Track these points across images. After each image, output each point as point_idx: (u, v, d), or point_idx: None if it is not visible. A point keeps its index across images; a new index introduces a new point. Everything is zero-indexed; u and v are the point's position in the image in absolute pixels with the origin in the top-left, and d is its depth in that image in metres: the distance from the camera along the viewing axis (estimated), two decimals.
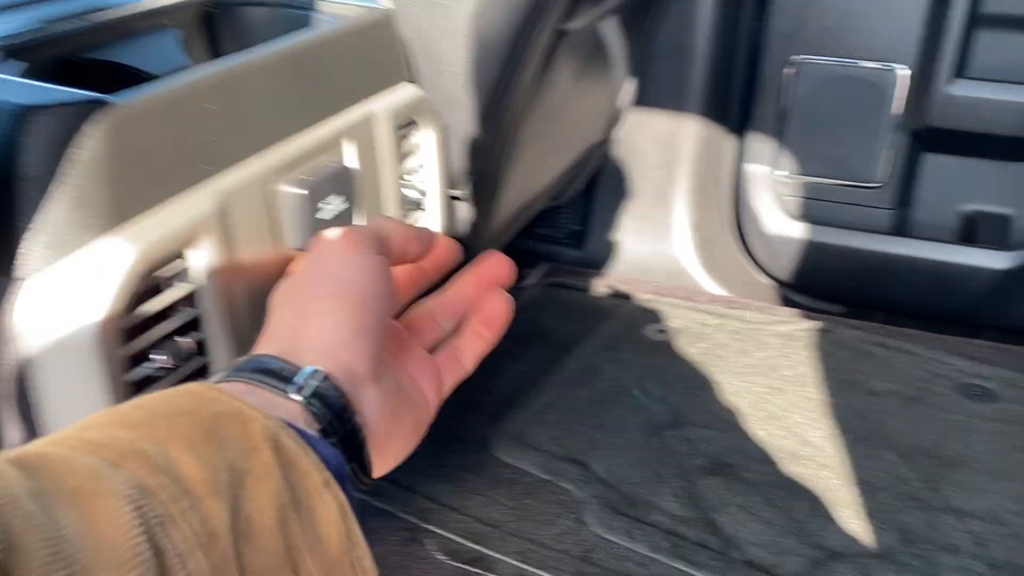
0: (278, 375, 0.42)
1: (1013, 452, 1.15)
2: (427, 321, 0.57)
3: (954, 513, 1.05)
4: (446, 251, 0.58)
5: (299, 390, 0.41)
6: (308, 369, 0.42)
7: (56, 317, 0.51)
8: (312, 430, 0.40)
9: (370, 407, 0.45)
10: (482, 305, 0.57)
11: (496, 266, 0.58)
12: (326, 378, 0.42)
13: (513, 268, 0.58)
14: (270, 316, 0.48)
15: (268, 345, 0.45)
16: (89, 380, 0.52)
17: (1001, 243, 1.49)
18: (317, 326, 0.44)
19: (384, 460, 0.48)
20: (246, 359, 0.44)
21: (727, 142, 1.61)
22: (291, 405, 0.41)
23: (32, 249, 0.50)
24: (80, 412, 0.52)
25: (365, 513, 1.09)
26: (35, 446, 0.33)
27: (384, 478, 1.17)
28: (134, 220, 0.54)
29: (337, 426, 0.42)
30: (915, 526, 1.04)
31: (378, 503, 1.10)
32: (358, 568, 0.38)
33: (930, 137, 1.47)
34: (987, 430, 1.19)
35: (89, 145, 0.50)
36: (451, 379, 0.56)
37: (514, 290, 1.65)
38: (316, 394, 0.41)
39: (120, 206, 0.53)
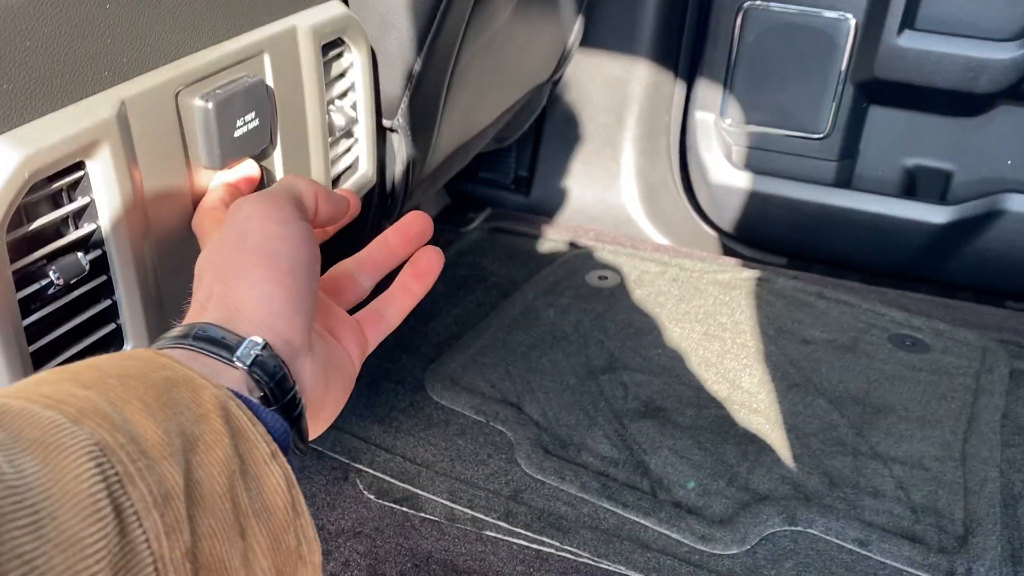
0: (221, 344, 0.42)
1: (939, 401, 1.17)
2: (347, 280, 0.57)
3: (879, 458, 1.07)
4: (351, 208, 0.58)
5: (242, 360, 0.42)
6: (250, 339, 0.42)
7: None
8: (254, 399, 0.41)
9: (306, 376, 0.46)
10: (416, 259, 0.57)
11: (417, 223, 0.58)
12: (266, 347, 0.43)
13: (431, 225, 0.59)
14: (199, 283, 0.48)
15: (204, 313, 0.45)
16: None
17: (941, 197, 1.50)
18: (251, 297, 0.44)
19: (316, 425, 0.49)
20: (186, 326, 0.43)
21: (676, 88, 1.59)
22: (235, 374, 0.41)
23: None
24: None
25: (295, 456, 1.06)
26: None
27: None
28: (22, 125, 0.51)
29: (278, 395, 0.43)
30: (841, 471, 1.05)
31: (308, 443, 1.08)
32: (302, 537, 0.39)
33: (876, 89, 1.47)
34: (916, 379, 1.21)
35: None
36: (375, 338, 0.56)
37: (456, 234, 1.63)
38: (257, 363, 0.42)
39: (5, 108, 0.49)
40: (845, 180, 1.55)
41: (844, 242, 1.54)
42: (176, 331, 0.43)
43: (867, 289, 1.45)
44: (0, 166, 0.48)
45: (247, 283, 0.45)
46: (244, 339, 0.42)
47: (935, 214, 1.47)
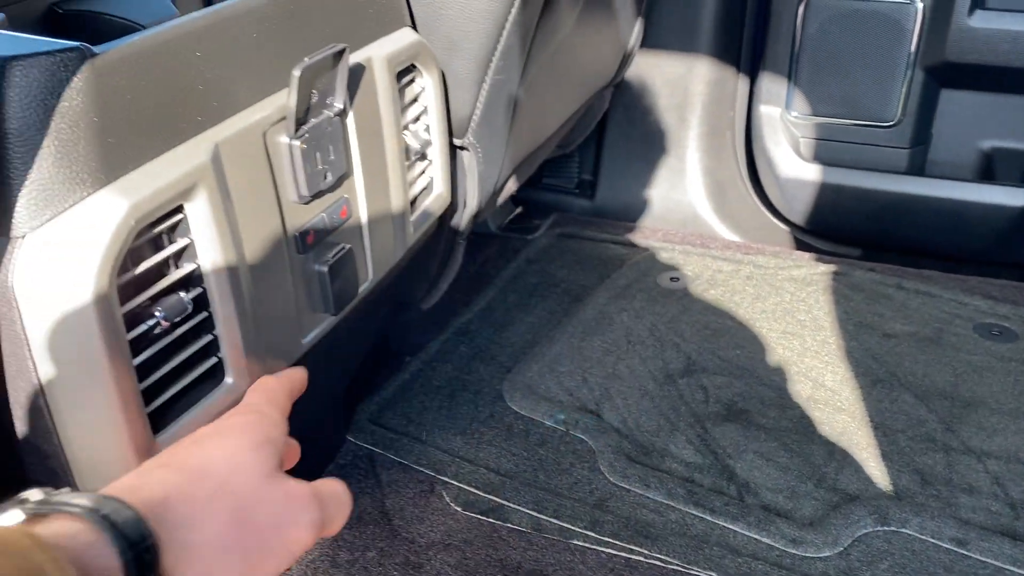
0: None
1: None
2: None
3: (972, 454, 1.04)
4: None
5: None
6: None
7: (53, 276, 0.50)
8: None
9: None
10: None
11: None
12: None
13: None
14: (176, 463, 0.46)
15: (114, 490, 0.43)
16: (88, 338, 0.51)
17: (1021, 180, 1.45)
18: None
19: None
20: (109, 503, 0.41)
21: (739, 83, 1.57)
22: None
23: (24, 206, 0.49)
24: (80, 372, 0.52)
25: (382, 466, 1.08)
26: None
27: (399, 431, 1.17)
28: (126, 174, 0.53)
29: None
30: (933, 467, 1.03)
31: (394, 456, 1.10)
32: None
33: (947, 72, 1.43)
34: (1005, 370, 1.18)
35: (73, 97, 0.49)
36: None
37: (523, 242, 1.63)
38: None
39: (109, 160, 0.52)
40: (918, 167, 1.52)
41: (920, 230, 1.50)
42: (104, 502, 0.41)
43: (947, 278, 1.41)
44: (109, 215, 0.50)
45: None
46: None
47: (1016, 197, 1.43)
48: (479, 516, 1.02)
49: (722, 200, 1.61)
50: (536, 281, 1.47)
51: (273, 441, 0.49)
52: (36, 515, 0.39)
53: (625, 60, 1.39)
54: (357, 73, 0.71)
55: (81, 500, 0.40)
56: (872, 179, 1.51)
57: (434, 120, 0.84)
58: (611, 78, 1.41)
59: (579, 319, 1.34)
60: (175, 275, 0.58)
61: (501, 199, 1.32)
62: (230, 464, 0.46)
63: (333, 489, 0.50)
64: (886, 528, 0.96)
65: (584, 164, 1.71)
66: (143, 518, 0.40)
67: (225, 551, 0.43)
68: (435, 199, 0.89)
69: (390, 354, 1.30)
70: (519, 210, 1.73)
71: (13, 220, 0.49)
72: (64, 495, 0.40)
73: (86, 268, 0.50)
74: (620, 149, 1.64)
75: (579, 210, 1.70)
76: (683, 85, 1.56)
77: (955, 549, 0.93)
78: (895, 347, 1.23)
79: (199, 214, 0.57)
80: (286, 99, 0.63)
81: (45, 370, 0.52)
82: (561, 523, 0.99)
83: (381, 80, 0.73)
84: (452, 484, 1.06)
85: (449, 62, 0.88)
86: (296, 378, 0.57)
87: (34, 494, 0.40)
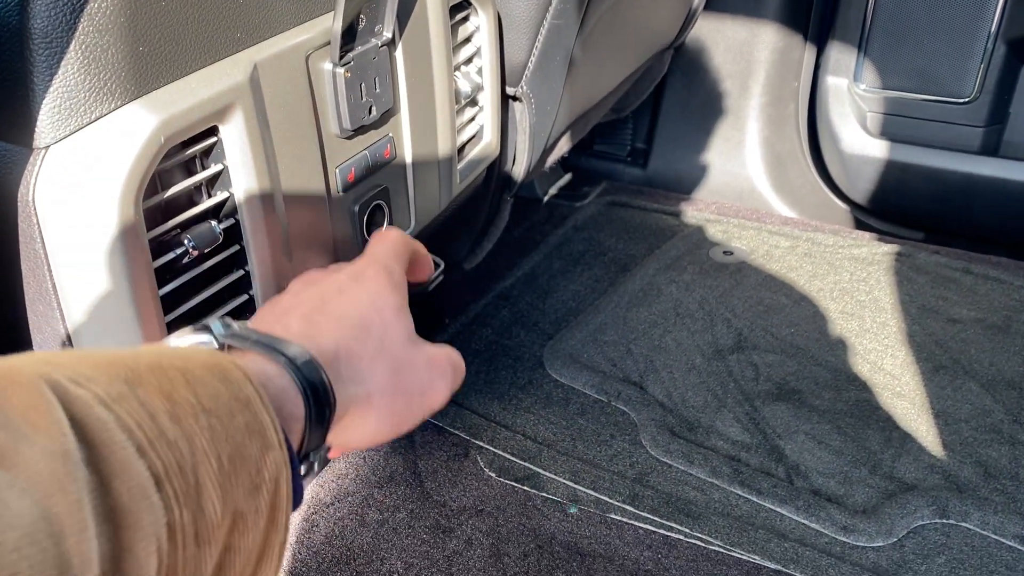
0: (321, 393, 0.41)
1: None
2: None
3: None
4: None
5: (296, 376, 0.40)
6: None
7: (76, 192, 0.47)
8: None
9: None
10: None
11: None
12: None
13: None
14: (306, 299, 0.47)
15: (288, 333, 0.43)
16: (112, 262, 0.48)
17: None
18: (355, 377, 0.44)
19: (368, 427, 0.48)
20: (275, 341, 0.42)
21: (806, 52, 1.50)
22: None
23: (47, 116, 0.46)
24: (102, 298, 0.48)
25: (416, 428, 1.05)
26: None
27: None
28: (158, 89, 0.49)
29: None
30: (998, 460, 0.97)
31: (429, 418, 1.07)
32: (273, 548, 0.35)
33: None
34: None
35: None
36: None
37: (571, 209, 1.59)
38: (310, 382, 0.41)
39: (141, 71, 0.48)
40: (993, 147, 1.43)
41: (991, 214, 1.42)
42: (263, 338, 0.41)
43: (1018, 265, 1.34)
44: (137, 130, 0.47)
45: (358, 366, 0.45)
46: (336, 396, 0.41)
47: None
48: (513, 483, 0.98)
49: (781, 174, 1.55)
50: (582, 249, 1.42)
51: (407, 303, 0.50)
52: (229, 346, 0.41)
53: (688, 21, 1.32)
54: (408, 3, 0.66)
55: (276, 344, 0.40)
56: (942, 158, 1.43)
57: (487, 63, 0.80)
58: (672, 39, 1.35)
59: (625, 289, 1.29)
60: (208, 202, 0.54)
61: (552, 160, 1.27)
62: (383, 322, 0.47)
63: (456, 356, 0.52)
64: (944, 521, 0.90)
65: (638, 131, 1.65)
66: (327, 375, 0.41)
67: (383, 409, 0.45)
68: (484, 147, 0.84)
69: (433, 313, 1.26)
70: (568, 176, 1.68)
71: (36, 130, 0.46)
72: (254, 332, 0.41)
73: (111, 185, 0.47)
74: (676, 117, 1.58)
75: (630, 179, 1.64)
76: (746, 51, 1.49)
77: (1019, 547, 0.87)
78: (960, 333, 1.16)
79: (234, 138, 0.53)
80: (331, 23, 0.59)
81: (66, 293, 0.49)
82: (598, 495, 0.95)
83: (434, 13, 0.69)
84: (487, 449, 1.03)
85: (507, 4, 0.83)
86: (420, 248, 0.56)
87: (216, 325, 0.41)
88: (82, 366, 0.29)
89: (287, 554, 0.92)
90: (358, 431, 0.45)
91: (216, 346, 0.41)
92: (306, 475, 0.41)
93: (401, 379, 0.46)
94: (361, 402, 0.44)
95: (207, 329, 0.41)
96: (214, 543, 0.29)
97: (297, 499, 0.36)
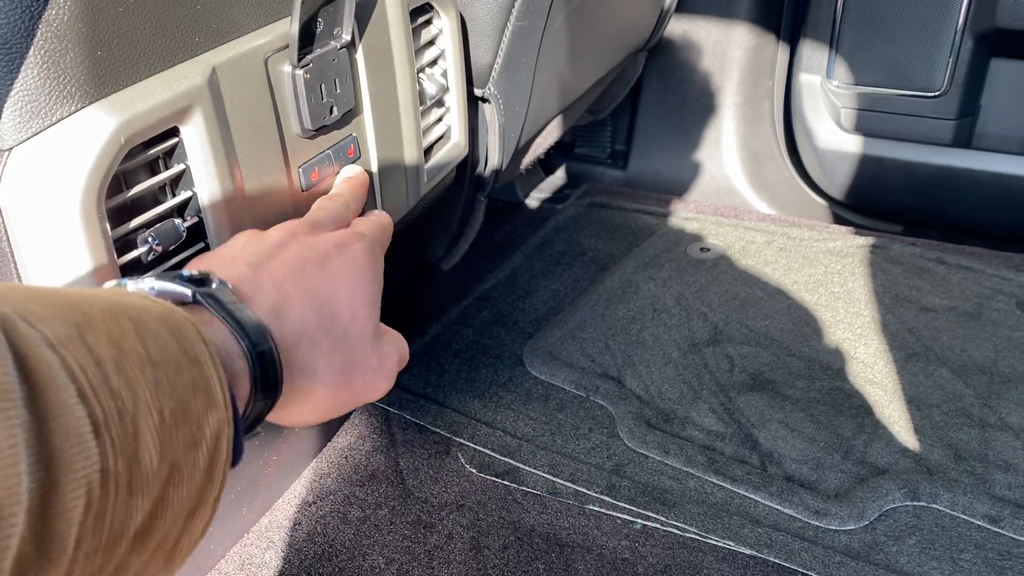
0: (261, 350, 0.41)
1: None
2: None
3: (1010, 430, 1.00)
4: None
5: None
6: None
7: (39, 191, 0.49)
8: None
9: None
10: None
11: None
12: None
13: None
14: (265, 267, 0.47)
15: (257, 299, 0.45)
16: (75, 259, 0.50)
17: None
18: (306, 350, 0.45)
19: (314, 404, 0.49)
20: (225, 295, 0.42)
21: (779, 50, 1.53)
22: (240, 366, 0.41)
23: (10, 118, 0.48)
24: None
25: (397, 426, 1.07)
26: None
27: (416, 393, 1.15)
28: (117, 92, 0.51)
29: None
30: (968, 443, 0.98)
31: (411, 417, 1.09)
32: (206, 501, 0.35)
33: (998, 40, 1.37)
34: None
35: (61, 4, 0.47)
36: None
37: (552, 211, 1.60)
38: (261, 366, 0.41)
39: (100, 74, 0.50)
40: (965, 139, 1.46)
41: (965, 206, 1.45)
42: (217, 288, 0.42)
43: (991, 254, 1.36)
44: (96, 132, 0.49)
45: (311, 339, 0.45)
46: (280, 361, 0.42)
47: None
48: (494, 478, 1.00)
49: (758, 171, 1.57)
50: (563, 249, 1.44)
51: (380, 289, 0.50)
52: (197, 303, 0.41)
53: (660, 21, 1.35)
54: (367, 6, 0.68)
55: (241, 319, 0.40)
56: (916, 151, 1.46)
57: (451, 65, 0.82)
58: (646, 40, 1.37)
59: (604, 287, 1.31)
60: (171, 201, 0.56)
61: (527, 161, 1.29)
62: (351, 312, 0.47)
63: (405, 353, 0.52)
64: (915, 503, 0.92)
65: (617, 134, 1.67)
66: (280, 364, 0.42)
67: (322, 399, 0.46)
68: (451, 148, 0.86)
69: (410, 319, 1.28)
70: (548, 179, 1.70)
71: (0, 132, 0.48)
72: (224, 296, 0.41)
73: (73, 185, 0.48)
74: (654, 118, 1.61)
75: (611, 181, 1.66)
76: (720, 52, 1.52)
77: (987, 526, 0.89)
78: (933, 321, 1.18)
79: (195, 138, 0.55)
80: (289, 27, 0.61)
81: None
82: (577, 487, 0.97)
83: (393, 15, 0.71)
84: (468, 446, 1.04)
85: (470, 6, 0.85)
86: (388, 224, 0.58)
87: (190, 279, 0.42)
88: (35, 305, 0.29)
89: (270, 552, 0.93)
90: (291, 413, 0.46)
91: (188, 297, 0.41)
92: (247, 436, 0.41)
93: (349, 376, 0.47)
94: (303, 391, 0.45)
95: (184, 281, 0.42)
96: (147, 493, 0.30)
97: (236, 457, 0.37)
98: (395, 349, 0.51)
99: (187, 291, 0.41)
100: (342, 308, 0.47)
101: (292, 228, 0.50)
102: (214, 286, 0.42)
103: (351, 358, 0.47)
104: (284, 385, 0.42)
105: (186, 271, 0.43)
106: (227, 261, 0.47)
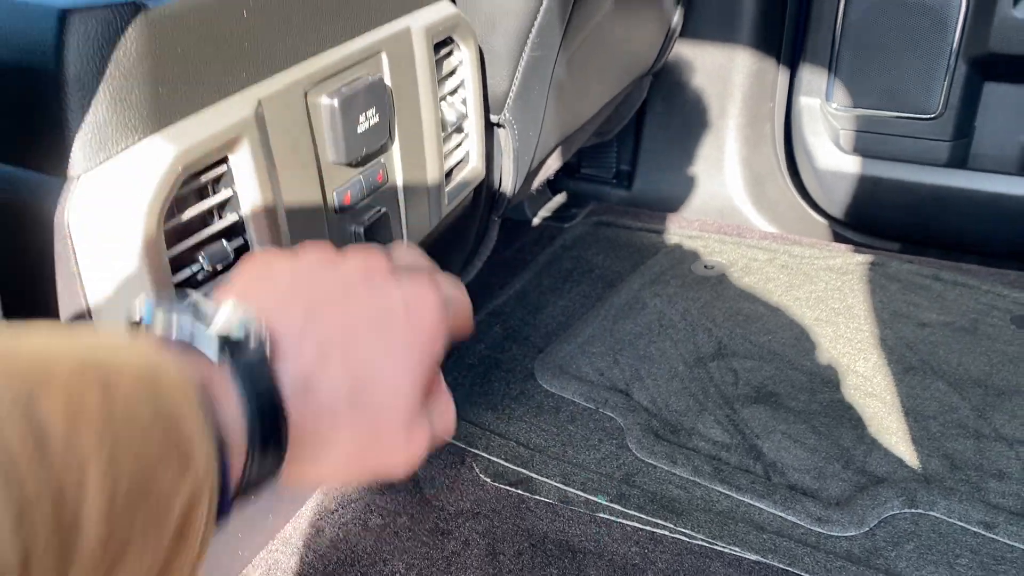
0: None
1: None
2: None
3: (1004, 441, 1.04)
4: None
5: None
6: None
7: (105, 215, 0.53)
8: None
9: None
10: None
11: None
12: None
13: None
14: (300, 309, 0.39)
15: (292, 360, 0.37)
16: (137, 277, 0.54)
17: None
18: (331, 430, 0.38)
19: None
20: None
21: (779, 74, 1.58)
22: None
23: (80, 149, 0.53)
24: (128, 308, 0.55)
25: None
26: None
27: None
28: (175, 123, 0.56)
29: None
30: (964, 453, 1.02)
31: None
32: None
33: (991, 64, 1.42)
34: None
35: (127, 47, 0.52)
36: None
37: (560, 230, 1.65)
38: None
39: (160, 108, 0.55)
40: (960, 160, 1.50)
41: (961, 224, 1.49)
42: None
43: (986, 271, 1.40)
44: (158, 160, 0.53)
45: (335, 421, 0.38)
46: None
47: None
48: (508, 487, 1.04)
49: (760, 191, 1.61)
50: (571, 267, 1.49)
51: (437, 361, 0.41)
52: (193, 348, 0.35)
53: (665, 47, 1.40)
54: (396, 41, 0.73)
55: (262, 389, 0.35)
56: (912, 172, 1.50)
57: (471, 94, 0.87)
58: (650, 65, 1.42)
59: (612, 303, 1.36)
60: (219, 224, 0.61)
61: (537, 182, 1.34)
62: (393, 389, 0.39)
63: (448, 420, 0.43)
64: (913, 510, 0.96)
65: (622, 155, 1.72)
66: (288, 439, 0.35)
67: (326, 474, 0.39)
68: (470, 171, 0.91)
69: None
70: (557, 199, 1.75)
71: (70, 161, 0.53)
72: (254, 353, 0.35)
73: (136, 209, 0.53)
74: (658, 139, 1.66)
75: (617, 200, 1.71)
76: (723, 75, 1.57)
77: (982, 532, 0.93)
78: (930, 336, 1.23)
79: (242, 166, 0.60)
80: (327, 61, 0.66)
81: (97, 307, 0.55)
82: (588, 496, 1.01)
83: (419, 50, 0.76)
84: (482, 456, 1.09)
85: (487, 37, 0.90)
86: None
87: (203, 304, 0.36)
88: None
89: (295, 558, 0.97)
90: (287, 474, 0.39)
91: (213, 360, 0.35)
92: (244, 497, 0.36)
93: (364, 455, 0.40)
94: (308, 460, 0.38)
95: (194, 309, 0.36)
96: (88, 571, 0.27)
97: (221, 519, 0.33)
98: (433, 424, 0.42)
99: (213, 356, 0.35)
100: (384, 384, 0.39)
101: (373, 264, 0.41)
102: (251, 346, 0.36)
103: (375, 437, 0.39)
104: (288, 453, 0.36)
105: (232, 306, 0.36)
106: (286, 298, 0.39)
